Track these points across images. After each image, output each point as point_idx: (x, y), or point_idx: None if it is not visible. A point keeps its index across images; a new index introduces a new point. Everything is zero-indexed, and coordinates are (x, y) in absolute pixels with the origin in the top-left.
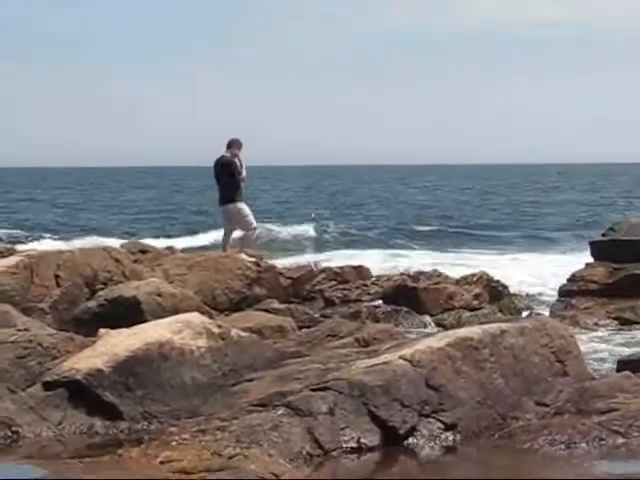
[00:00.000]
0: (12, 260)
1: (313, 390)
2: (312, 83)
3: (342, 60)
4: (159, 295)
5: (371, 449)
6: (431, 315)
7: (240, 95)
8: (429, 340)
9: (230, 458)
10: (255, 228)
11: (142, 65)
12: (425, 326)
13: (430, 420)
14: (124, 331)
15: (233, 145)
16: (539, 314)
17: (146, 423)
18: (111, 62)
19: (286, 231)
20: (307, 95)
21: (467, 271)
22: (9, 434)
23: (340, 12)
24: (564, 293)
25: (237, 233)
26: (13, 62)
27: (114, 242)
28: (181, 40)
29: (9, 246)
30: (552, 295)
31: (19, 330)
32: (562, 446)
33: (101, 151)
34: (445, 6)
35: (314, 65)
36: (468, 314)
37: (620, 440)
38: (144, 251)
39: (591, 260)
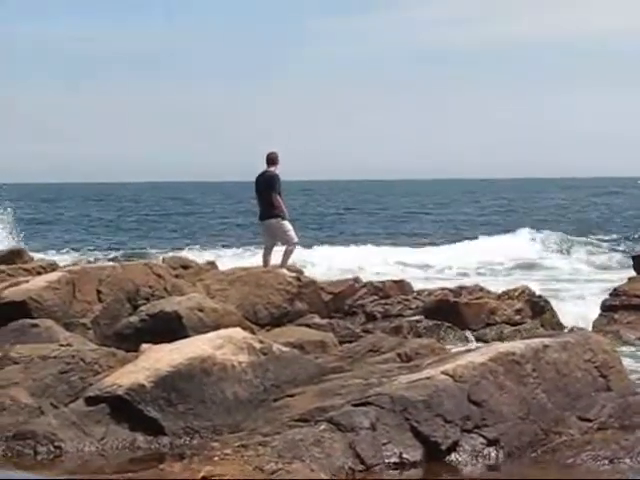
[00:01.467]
0: (54, 275)
1: (355, 405)
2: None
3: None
4: (201, 310)
5: (413, 464)
6: (473, 330)
7: (297, 110)
8: (471, 355)
9: (272, 473)
10: (296, 243)
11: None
12: (467, 341)
13: (472, 435)
14: (166, 346)
15: (274, 160)
16: (581, 329)
17: (188, 438)
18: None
19: None
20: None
21: None
22: (52, 449)
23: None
24: (607, 308)
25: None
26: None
27: None
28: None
29: (52, 261)
30: None
31: (62, 345)
32: (605, 461)
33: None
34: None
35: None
36: (510, 329)
37: None
38: (185, 266)
39: (634, 274)
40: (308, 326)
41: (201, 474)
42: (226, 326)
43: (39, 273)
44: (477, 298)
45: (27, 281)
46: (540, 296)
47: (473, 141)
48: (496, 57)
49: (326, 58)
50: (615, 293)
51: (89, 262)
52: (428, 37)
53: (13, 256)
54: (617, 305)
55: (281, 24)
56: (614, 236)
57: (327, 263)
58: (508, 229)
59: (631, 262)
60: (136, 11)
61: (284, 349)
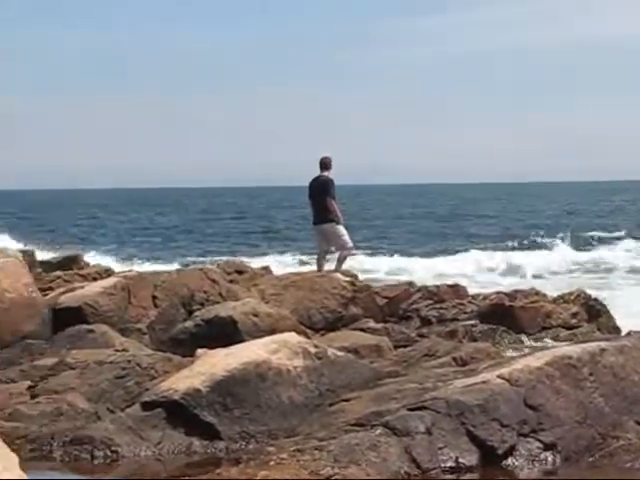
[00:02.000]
0: (110, 281)
1: (411, 410)
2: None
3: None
4: (255, 315)
5: (469, 469)
6: (528, 334)
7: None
8: (527, 359)
9: (328, 478)
10: (351, 248)
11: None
12: (522, 345)
13: (529, 440)
14: (221, 351)
15: (328, 164)
16: (638, 332)
17: (244, 443)
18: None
19: None
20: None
21: None
22: (109, 454)
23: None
24: None
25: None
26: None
27: None
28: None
29: (107, 267)
30: None
31: (117, 351)
32: None
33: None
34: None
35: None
36: (566, 333)
37: None
38: (240, 271)
39: None
40: (363, 330)
41: (257, 478)
42: (281, 331)
43: (95, 279)
44: (532, 302)
45: (83, 287)
46: (596, 299)
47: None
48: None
49: (393, 59)
50: None
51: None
52: (499, 38)
53: (69, 262)
54: None
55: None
56: None
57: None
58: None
59: None
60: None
61: (339, 353)
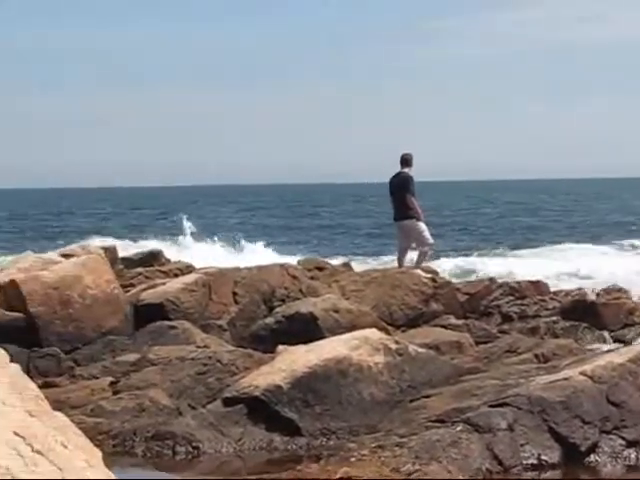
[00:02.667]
0: (191, 277)
1: (492, 406)
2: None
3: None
4: (336, 311)
5: (552, 466)
6: (610, 331)
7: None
8: (609, 356)
9: (409, 474)
10: (432, 244)
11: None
12: (604, 342)
13: (612, 437)
14: (302, 347)
15: (409, 161)
16: None
17: (325, 439)
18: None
19: None
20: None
21: None
22: (190, 450)
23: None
24: None
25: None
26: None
27: None
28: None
29: (188, 264)
30: None
31: (199, 347)
32: None
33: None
34: None
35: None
36: None
37: None
38: (320, 268)
39: None
40: (444, 327)
41: (338, 475)
42: (361, 327)
43: (176, 275)
44: (615, 298)
45: (164, 283)
46: None
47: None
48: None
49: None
50: None
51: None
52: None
53: (150, 259)
54: None
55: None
56: None
57: None
58: None
59: None
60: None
61: (420, 350)
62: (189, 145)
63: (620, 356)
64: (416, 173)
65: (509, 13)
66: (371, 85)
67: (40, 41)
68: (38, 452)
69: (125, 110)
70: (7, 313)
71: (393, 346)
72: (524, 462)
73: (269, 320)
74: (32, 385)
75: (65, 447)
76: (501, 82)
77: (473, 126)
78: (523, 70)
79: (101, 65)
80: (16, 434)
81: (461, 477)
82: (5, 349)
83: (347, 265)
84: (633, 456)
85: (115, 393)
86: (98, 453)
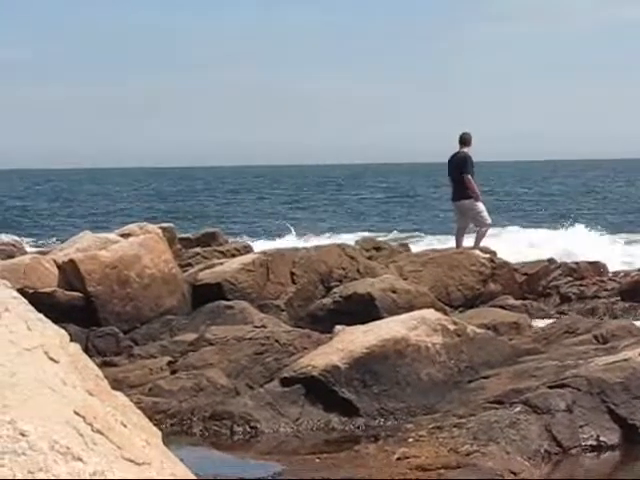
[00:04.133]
0: (249, 257)
1: (551, 387)
2: None
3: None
4: (394, 292)
5: (611, 447)
6: None
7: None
8: None
9: (467, 455)
10: (490, 224)
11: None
12: None
13: None
14: (359, 328)
15: (467, 141)
16: None
17: (382, 419)
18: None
19: None
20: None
21: None
22: (248, 429)
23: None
24: None
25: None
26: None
27: None
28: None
29: (247, 243)
30: None
31: (256, 327)
32: None
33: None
34: None
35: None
36: None
37: None
38: (378, 248)
39: None
40: (502, 307)
41: (396, 455)
42: (419, 307)
43: (233, 255)
44: None
45: (222, 263)
46: None
47: None
48: None
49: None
50: None
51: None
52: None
53: (208, 239)
54: None
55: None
56: None
57: None
58: None
59: None
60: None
61: (478, 330)
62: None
63: None
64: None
65: None
66: None
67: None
68: (98, 431)
69: None
70: (66, 292)
71: (451, 327)
72: (583, 443)
73: (327, 300)
74: (92, 364)
75: (125, 426)
76: None
77: None
78: None
79: None
80: (76, 413)
81: (519, 458)
82: (64, 328)
83: (405, 245)
84: None
85: (173, 372)
86: (158, 432)
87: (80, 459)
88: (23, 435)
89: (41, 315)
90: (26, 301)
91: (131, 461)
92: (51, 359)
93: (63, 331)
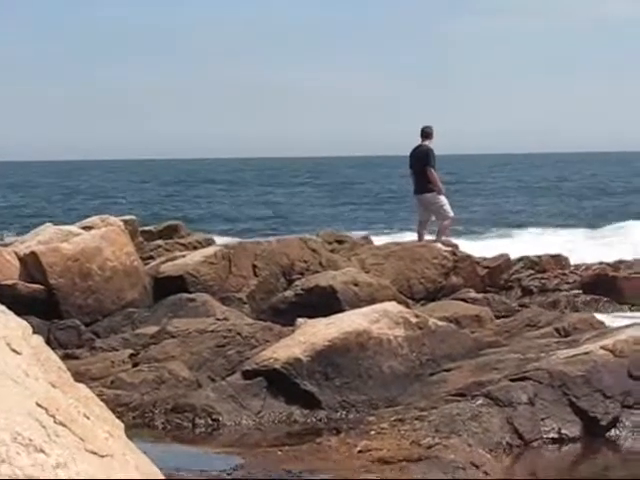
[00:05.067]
0: (211, 250)
1: (512, 380)
2: None
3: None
4: (356, 284)
5: (572, 440)
6: (632, 305)
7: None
8: (631, 330)
9: (429, 448)
10: (452, 218)
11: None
12: (625, 316)
13: (633, 412)
14: (321, 320)
15: (429, 134)
16: None
17: (344, 412)
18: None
19: None
20: None
21: None
22: (210, 422)
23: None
24: None
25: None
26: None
27: None
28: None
29: (208, 237)
30: None
31: (218, 320)
32: None
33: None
34: None
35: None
36: None
37: None
38: (340, 241)
39: None
40: (464, 300)
41: (358, 448)
42: (381, 300)
43: (195, 248)
44: (637, 272)
45: (184, 256)
46: None
47: None
48: None
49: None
50: None
51: None
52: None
53: (170, 231)
54: None
55: None
56: None
57: None
58: None
59: None
60: None
61: (440, 323)
62: None
63: None
64: (439, 145)
65: None
66: None
67: None
68: (61, 423)
69: None
70: (27, 285)
71: (413, 319)
72: (544, 436)
73: (288, 293)
74: (54, 356)
75: (87, 418)
76: None
77: None
78: None
79: None
80: (39, 405)
81: (481, 451)
82: (26, 321)
83: (366, 238)
84: None
85: (135, 365)
86: (120, 425)
87: (43, 451)
88: None
89: (3, 307)
90: None
91: (94, 453)
92: (13, 351)
93: (26, 323)
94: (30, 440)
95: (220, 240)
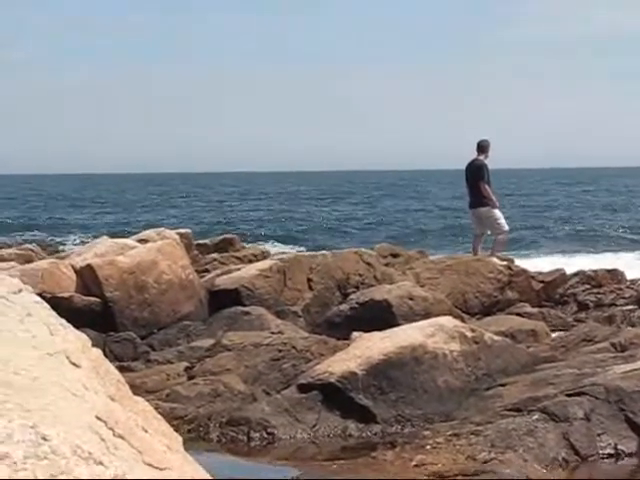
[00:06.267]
0: (266, 264)
1: (568, 395)
2: None
3: None
4: (411, 298)
5: (629, 455)
6: None
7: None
8: None
9: (485, 462)
10: (507, 232)
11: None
12: None
13: None
14: (377, 334)
15: (485, 148)
16: None
17: (399, 426)
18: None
19: None
20: None
21: None
22: (265, 435)
23: None
24: None
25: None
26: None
27: None
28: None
29: (265, 249)
30: None
31: (273, 333)
32: None
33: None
34: None
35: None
36: None
37: None
38: (395, 255)
39: None
40: (519, 315)
41: (413, 462)
42: (436, 314)
43: (250, 261)
44: None
45: (239, 269)
46: None
47: None
48: None
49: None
50: None
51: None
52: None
53: (225, 244)
54: None
55: None
56: None
57: None
58: None
59: None
60: None
61: (496, 338)
62: None
63: None
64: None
65: None
66: None
67: None
68: (120, 436)
69: None
70: (84, 297)
71: (469, 334)
72: (600, 452)
73: (343, 307)
74: (113, 369)
75: (146, 431)
76: None
77: None
78: None
79: None
80: (98, 418)
81: (537, 466)
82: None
83: (422, 252)
84: None
85: (190, 378)
86: (179, 438)
87: (101, 463)
88: (45, 440)
89: (63, 320)
90: (48, 306)
91: (152, 466)
92: (73, 364)
93: (85, 336)
94: (90, 453)
95: (274, 250)
